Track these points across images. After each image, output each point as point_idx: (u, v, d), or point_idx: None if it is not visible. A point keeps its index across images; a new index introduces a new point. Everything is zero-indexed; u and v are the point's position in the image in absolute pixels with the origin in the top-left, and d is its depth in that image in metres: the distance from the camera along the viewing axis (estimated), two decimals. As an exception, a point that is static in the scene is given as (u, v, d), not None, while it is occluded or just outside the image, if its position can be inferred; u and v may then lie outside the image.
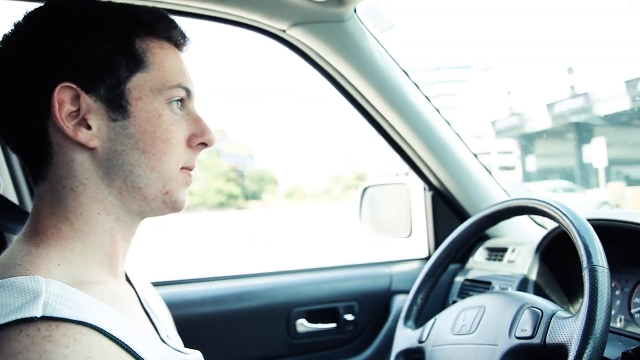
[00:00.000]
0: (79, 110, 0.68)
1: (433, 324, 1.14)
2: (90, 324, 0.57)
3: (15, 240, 0.70)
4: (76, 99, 0.68)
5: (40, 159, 0.70)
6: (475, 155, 1.58)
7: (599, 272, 0.82)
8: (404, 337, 1.18)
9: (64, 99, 0.67)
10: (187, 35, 0.79)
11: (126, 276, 0.83)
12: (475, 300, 1.08)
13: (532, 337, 0.88)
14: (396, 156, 1.62)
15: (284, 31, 1.34)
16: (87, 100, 0.69)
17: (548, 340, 0.85)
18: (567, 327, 0.83)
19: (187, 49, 0.80)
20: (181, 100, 0.76)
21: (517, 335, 0.91)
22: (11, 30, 0.71)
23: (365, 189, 1.85)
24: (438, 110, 1.52)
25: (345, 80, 1.46)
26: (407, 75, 1.46)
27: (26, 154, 0.71)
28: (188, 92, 0.77)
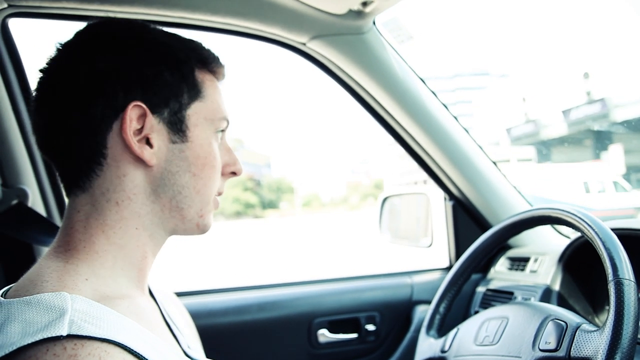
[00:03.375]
0: (141, 128, 0.71)
1: (456, 334, 1.13)
2: (115, 342, 0.58)
3: (45, 254, 0.71)
4: (142, 117, 0.71)
5: (87, 170, 0.71)
6: (495, 164, 1.58)
7: (625, 285, 0.81)
8: (427, 347, 1.18)
9: (132, 117, 0.70)
10: (226, 73, 0.85)
11: (149, 290, 0.85)
12: (498, 310, 1.08)
13: (556, 349, 0.87)
14: (414, 165, 1.62)
15: (304, 44, 1.36)
16: (152, 120, 0.72)
17: (573, 353, 0.84)
18: (593, 341, 0.82)
19: (223, 84, 0.86)
20: (222, 130, 0.81)
21: (540, 348, 0.90)
22: (86, 38, 0.74)
23: (385, 199, 1.85)
24: (457, 119, 1.52)
25: (364, 92, 1.47)
26: (426, 84, 1.47)
27: (69, 165, 0.72)
28: (228, 123, 0.82)
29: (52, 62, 0.72)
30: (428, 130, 1.49)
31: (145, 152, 0.71)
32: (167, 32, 0.78)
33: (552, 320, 0.92)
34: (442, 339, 1.16)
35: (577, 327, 0.87)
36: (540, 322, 0.93)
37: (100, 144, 0.70)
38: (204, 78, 0.78)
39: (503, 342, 0.99)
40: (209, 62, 0.79)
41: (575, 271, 1.33)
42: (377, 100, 1.47)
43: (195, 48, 0.78)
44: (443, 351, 1.13)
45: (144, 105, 0.70)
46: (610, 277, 0.82)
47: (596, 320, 1.27)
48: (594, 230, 0.89)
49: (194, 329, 1.05)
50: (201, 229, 0.80)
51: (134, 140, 0.70)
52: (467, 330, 1.11)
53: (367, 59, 1.37)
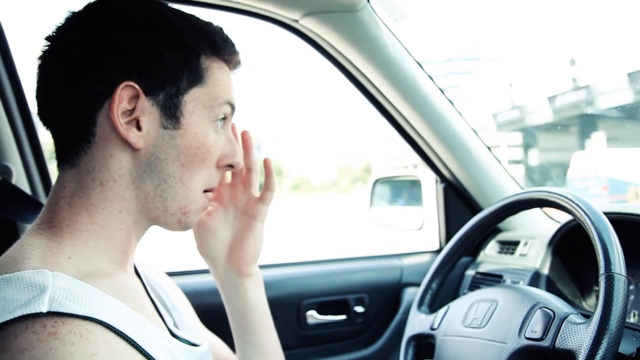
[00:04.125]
0: (133, 110, 0.69)
1: (446, 312, 1.13)
2: (97, 319, 0.57)
3: (28, 231, 0.70)
4: (134, 99, 0.69)
5: (77, 146, 0.70)
6: (488, 148, 1.57)
7: (616, 280, 0.79)
8: (417, 322, 1.18)
9: (123, 97, 0.68)
10: (242, 61, 0.81)
11: (135, 268, 0.83)
12: (489, 293, 1.08)
13: (541, 339, 0.87)
14: (402, 149, 1.61)
15: (297, 21, 1.33)
16: (144, 102, 0.69)
17: (557, 344, 0.84)
18: (578, 334, 0.82)
19: (238, 72, 0.83)
20: (224, 117, 0.78)
21: (526, 336, 0.90)
22: (94, 10, 0.72)
23: (376, 181, 1.84)
24: (452, 102, 1.50)
25: (357, 71, 1.45)
26: (421, 66, 1.45)
27: (63, 137, 0.72)
28: (233, 108, 0.79)
29: (58, 31, 0.71)
30: (421, 112, 1.47)
31: (131, 134, 0.69)
32: (181, 13, 0.75)
33: (540, 308, 0.91)
34: (433, 315, 1.16)
35: (565, 318, 0.87)
36: (529, 309, 0.93)
37: (90, 121, 0.69)
38: (211, 64, 0.75)
39: (490, 326, 0.99)
40: (220, 48, 0.76)
41: (564, 255, 1.33)
42: (370, 80, 1.45)
43: (207, 32, 0.75)
44: (432, 329, 1.13)
45: (137, 86, 0.68)
46: (602, 269, 0.81)
47: (583, 304, 1.28)
48: (587, 214, 0.88)
49: (190, 307, 1.04)
50: (183, 227, 0.78)
51: (120, 121, 0.68)
52: (456, 310, 1.11)
53: (360, 38, 1.34)
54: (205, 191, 0.78)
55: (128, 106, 0.69)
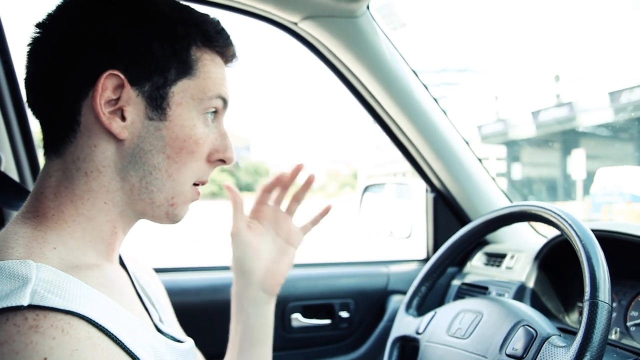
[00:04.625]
0: (118, 99, 0.68)
1: (432, 317, 1.14)
2: (80, 314, 0.56)
3: (12, 220, 0.69)
4: (119, 88, 0.68)
5: (63, 135, 0.69)
6: (479, 160, 1.58)
7: (599, 307, 0.80)
8: (405, 324, 1.18)
9: (107, 86, 0.67)
10: (237, 55, 0.80)
11: (121, 260, 0.82)
12: (476, 304, 1.08)
13: (521, 357, 0.88)
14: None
15: (296, 24, 1.33)
16: (129, 92, 0.68)
17: None
18: (558, 357, 0.83)
19: (233, 66, 0.81)
20: (215, 111, 0.77)
21: (507, 353, 0.90)
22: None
23: (366, 188, 1.84)
24: (445, 113, 1.51)
25: (353, 77, 1.45)
26: (417, 75, 1.45)
27: (50, 126, 0.71)
28: (225, 103, 0.77)
29: (47, 18, 0.70)
30: (414, 121, 1.48)
31: (114, 124, 0.68)
32: (174, 3, 0.74)
33: (523, 325, 0.92)
34: (419, 319, 1.16)
35: (547, 338, 0.87)
36: (512, 325, 0.94)
37: (75, 110, 0.68)
38: (202, 56, 0.73)
39: (473, 338, 1.00)
40: (213, 40, 0.75)
41: (550, 270, 1.34)
42: (365, 86, 1.46)
43: (200, 23, 0.74)
44: (418, 332, 1.14)
45: (121, 75, 0.67)
46: (587, 295, 0.81)
47: (566, 319, 1.29)
48: (576, 232, 0.88)
49: (169, 304, 1.03)
50: (171, 220, 0.76)
51: (103, 110, 0.67)
52: (442, 317, 1.11)
53: (358, 44, 1.35)
54: (195, 184, 0.77)
55: (112, 95, 0.68)
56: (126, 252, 0.85)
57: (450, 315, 1.10)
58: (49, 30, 0.69)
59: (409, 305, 1.21)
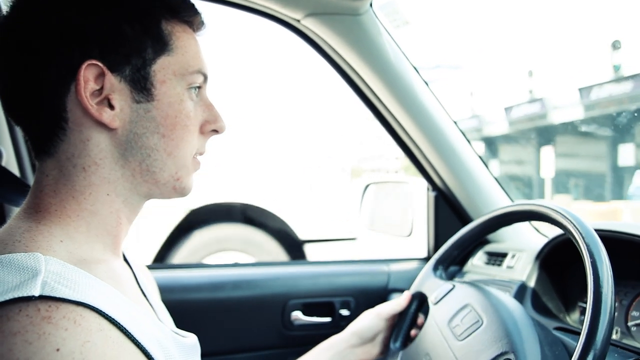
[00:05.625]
0: (101, 89, 0.67)
1: (449, 291, 1.16)
2: (91, 305, 0.56)
3: (14, 215, 0.68)
4: (100, 77, 0.67)
5: (51, 135, 0.68)
6: (481, 159, 1.58)
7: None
8: (427, 284, 1.22)
9: (88, 77, 0.66)
10: (204, 20, 0.78)
11: (124, 256, 0.82)
12: (483, 304, 1.07)
13: None
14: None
15: (299, 21, 1.33)
16: (111, 79, 0.67)
17: None
18: None
19: (203, 34, 0.80)
20: (198, 87, 0.76)
21: None
22: None
23: (367, 186, 1.84)
24: (447, 111, 1.51)
25: (355, 74, 1.45)
26: (419, 73, 1.45)
27: (34, 128, 0.69)
28: (205, 78, 0.77)
29: (7, 21, 0.67)
30: (416, 119, 1.47)
31: (104, 115, 0.67)
32: None
33: (505, 358, 0.90)
34: (440, 285, 1.19)
35: None
36: (496, 355, 0.92)
37: (60, 107, 0.66)
38: (173, 29, 0.72)
39: (464, 345, 1.00)
40: (179, 10, 0.73)
41: (551, 269, 1.34)
42: (367, 84, 1.46)
43: None
44: (432, 302, 1.17)
45: (100, 64, 0.66)
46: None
47: (567, 319, 1.28)
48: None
49: (162, 303, 1.03)
50: (179, 192, 0.76)
51: (91, 102, 0.66)
52: (455, 298, 1.13)
53: (361, 42, 1.34)
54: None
55: (95, 86, 0.66)
56: (128, 250, 0.85)
57: (460, 301, 1.10)
58: (15, 29, 0.67)
59: (436, 266, 1.24)
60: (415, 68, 1.44)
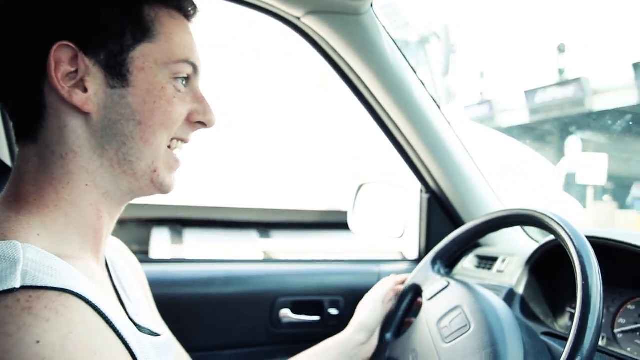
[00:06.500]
0: (77, 71, 0.66)
1: (443, 288, 1.16)
2: (74, 292, 0.55)
3: None
4: (75, 59, 0.65)
5: (32, 120, 0.67)
6: (474, 161, 1.58)
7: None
8: (427, 277, 1.22)
9: (61, 59, 0.65)
10: (196, 5, 0.76)
11: (106, 262, 0.80)
12: (473, 307, 1.07)
13: None
14: (392, 155, 1.61)
15: (299, 18, 1.32)
16: (85, 61, 0.66)
17: None
18: None
19: (195, 19, 0.77)
20: (187, 77, 0.74)
21: None
22: None
23: (360, 186, 1.84)
24: (443, 114, 1.51)
25: (353, 74, 1.44)
26: (417, 74, 1.45)
27: (18, 113, 0.69)
28: (195, 68, 0.74)
29: None
30: (413, 121, 1.48)
31: (75, 97, 0.65)
32: None
33: None
34: (436, 280, 1.20)
35: None
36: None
37: (37, 92, 0.66)
38: (158, 15, 0.70)
39: (448, 348, 1.00)
40: None
41: (540, 274, 1.35)
42: (365, 84, 1.45)
43: None
44: (426, 297, 1.18)
45: (73, 45, 0.64)
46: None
47: (555, 325, 1.29)
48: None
49: (151, 297, 1.01)
50: (158, 187, 0.73)
51: (62, 84, 0.65)
52: (447, 297, 1.13)
53: (361, 41, 1.34)
54: (174, 139, 0.75)
55: (70, 68, 0.65)
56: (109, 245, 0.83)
57: (452, 302, 1.10)
58: None
59: (435, 260, 1.25)
60: (413, 70, 1.45)
